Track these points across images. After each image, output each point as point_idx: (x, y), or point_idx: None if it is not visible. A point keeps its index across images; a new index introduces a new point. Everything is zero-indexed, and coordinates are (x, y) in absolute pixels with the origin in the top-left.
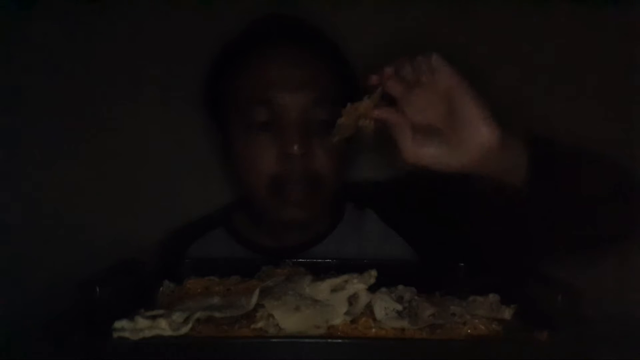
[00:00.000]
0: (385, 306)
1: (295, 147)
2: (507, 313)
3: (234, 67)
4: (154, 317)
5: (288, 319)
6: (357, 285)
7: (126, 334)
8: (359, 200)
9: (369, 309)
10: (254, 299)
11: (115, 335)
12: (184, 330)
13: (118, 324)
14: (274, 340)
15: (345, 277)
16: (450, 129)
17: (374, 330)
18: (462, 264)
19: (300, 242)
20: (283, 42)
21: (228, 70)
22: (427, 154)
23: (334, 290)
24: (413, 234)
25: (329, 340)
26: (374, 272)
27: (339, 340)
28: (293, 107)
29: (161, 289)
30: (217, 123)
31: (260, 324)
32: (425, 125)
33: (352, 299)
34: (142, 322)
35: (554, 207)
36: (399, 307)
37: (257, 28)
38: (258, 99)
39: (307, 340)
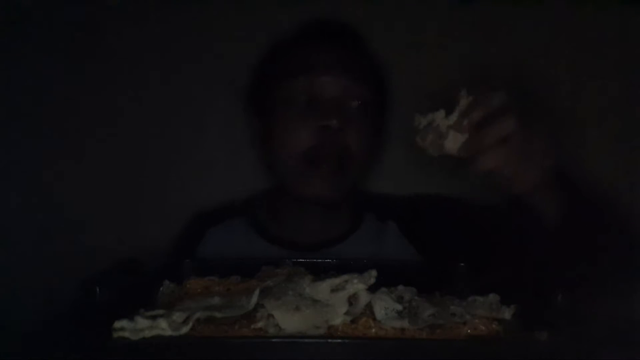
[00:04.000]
0: (385, 306)
1: (334, 120)
2: (507, 313)
3: (279, 60)
4: (154, 317)
5: (288, 319)
6: (357, 285)
7: (126, 334)
8: (381, 212)
9: (369, 309)
10: (254, 299)
11: (115, 335)
12: (184, 330)
13: (118, 324)
14: (274, 340)
15: (345, 277)
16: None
17: (374, 330)
18: (462, 264)
19: (316, 241)
20: (322, 37)
21: (273, 64)
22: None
23: (334, 290)
24: (430, 250)
25: (329, 340)
26: (374, 272)
27: (339, 340)
28: (332, 87)
29: (161, 289)
30: (256, 110)
31: (260, 324)
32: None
33: (352, 299)
34: (142, 322)
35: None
36: (399, 307)
37: (300, 29)
38: (301, 81)
39: (307, 340)
